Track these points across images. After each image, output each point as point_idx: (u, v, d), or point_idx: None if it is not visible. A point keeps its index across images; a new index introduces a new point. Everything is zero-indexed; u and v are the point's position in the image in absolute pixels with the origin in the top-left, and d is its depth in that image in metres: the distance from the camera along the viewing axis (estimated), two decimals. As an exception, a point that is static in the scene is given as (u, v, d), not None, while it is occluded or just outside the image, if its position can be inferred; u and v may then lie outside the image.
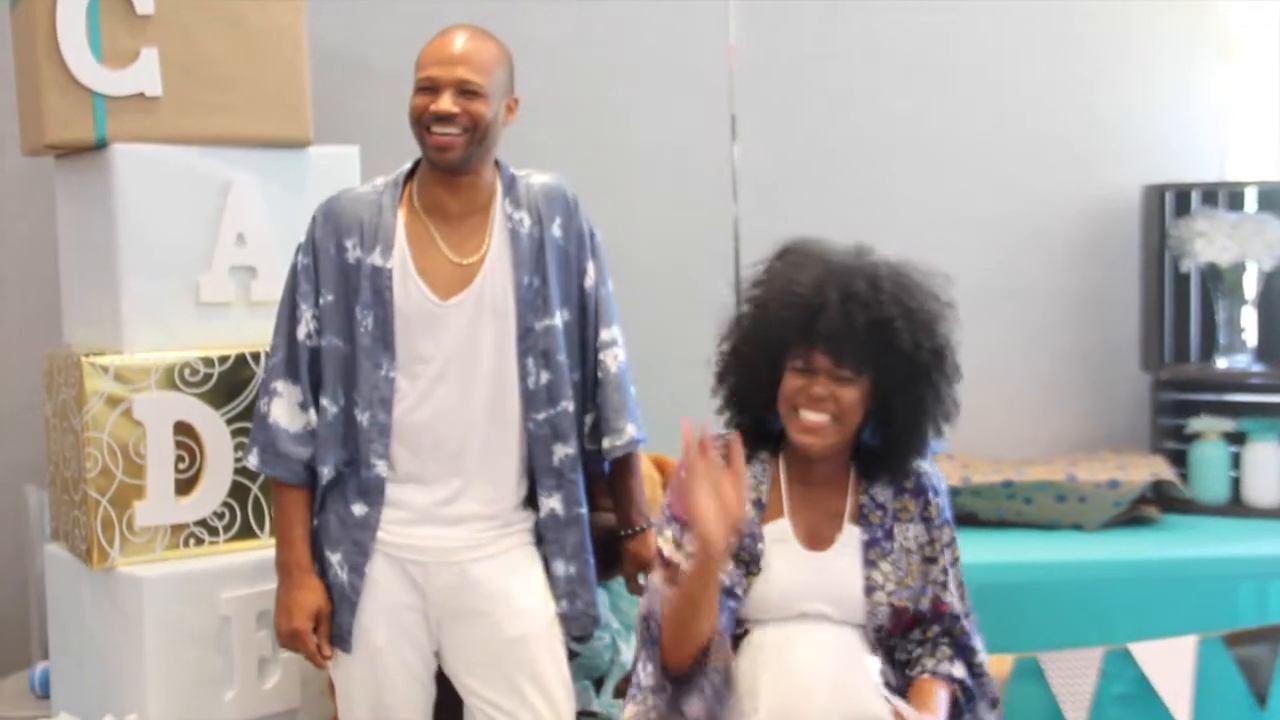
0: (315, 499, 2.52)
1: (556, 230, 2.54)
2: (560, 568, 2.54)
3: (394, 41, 3.70)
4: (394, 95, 3.67)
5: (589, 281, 2.58)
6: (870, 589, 2.28)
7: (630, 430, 2.60)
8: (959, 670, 2.31)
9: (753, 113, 3.80)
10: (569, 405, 2.53)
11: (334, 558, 2.49)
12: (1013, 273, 3.85)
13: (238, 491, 2.88)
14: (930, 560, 2.32)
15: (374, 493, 2.47)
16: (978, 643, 2.36)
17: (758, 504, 2.31)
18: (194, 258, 2.89)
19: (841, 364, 2.21)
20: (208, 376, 2.85)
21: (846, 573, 2.29)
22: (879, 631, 2.29)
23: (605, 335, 2.60)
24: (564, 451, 2.53)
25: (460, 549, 2.48)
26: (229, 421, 2.86)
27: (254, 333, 2.92)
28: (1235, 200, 3.75)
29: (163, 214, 2.85)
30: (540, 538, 2.55)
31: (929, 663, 2.32)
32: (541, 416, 2.51)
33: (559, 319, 2.51)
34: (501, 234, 2.50)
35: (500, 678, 2.49)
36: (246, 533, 2.89)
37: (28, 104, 2.93)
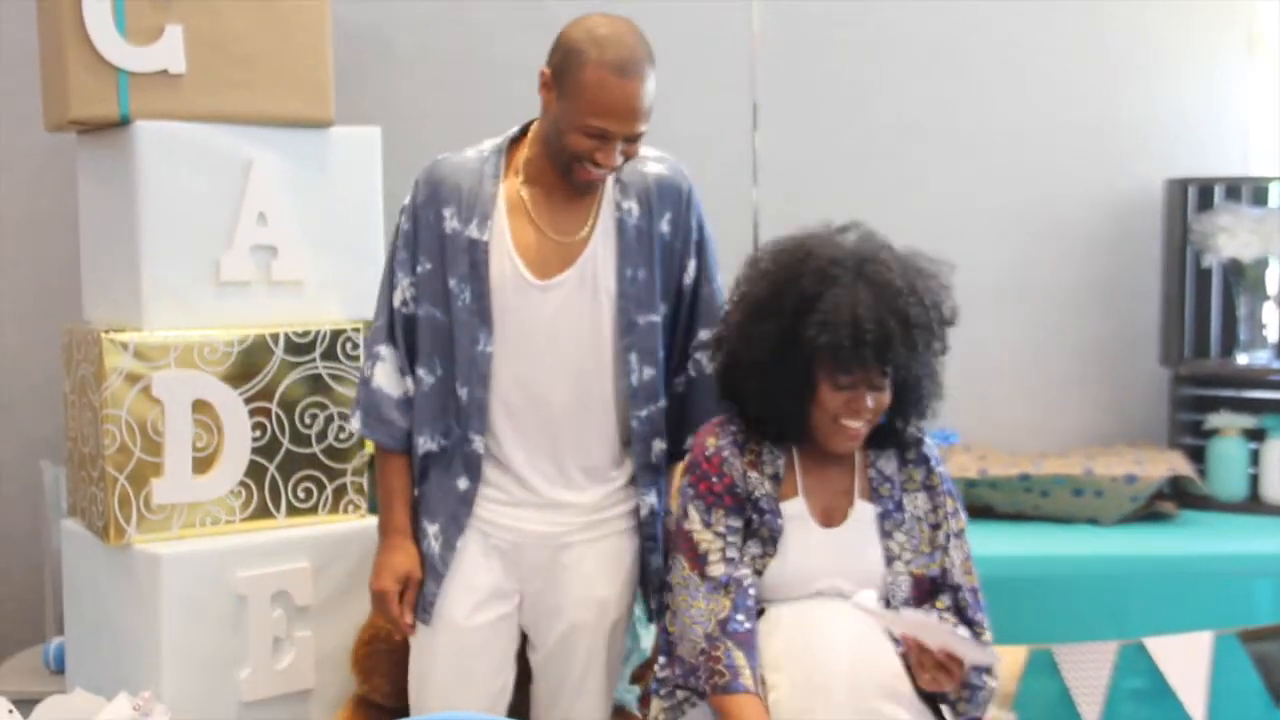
0: (415, 466, 2.50)
1: (665, 226, 2.47)
2: (656, 560, 2.54)
3: (417, 23, 3.72)
4: (417, 77, 3.71)
5: (689, 278, 2.52)
6: (890, 559, 2.35)
7: None
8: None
9: (775, 101, 3.79)
10: (664, 403, 2.51)
11: (431, 528, 2.48)
12: (1033, 265, 3.84)
13: (255, 471, 2.88)
14: (935, 527, 2.39)
15: (474, 468, 2.45)
16: (982, 617, 2.39)
17: (775, 478, 2.36)
18: (215, 236, 2.88)
19: (885, 373, 2.28)
20: (227, 355, 2.85)
21: (863, 546, 2.35)
22: (902, 604, 2.34)
23: (704, 335, 2.54)
24: (660, 447, 2.52)
25: (558, 534, 2.47)
26: (247, 401, 2.86)
27: (274, 312, 2.92)
28: (1259, 195, 3.73)
29: (184, 191, 2.84)
30: (641, 532, 2.54)
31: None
32: (644, 413, 2.48)
33: (659, 316, 2.47)
34: (608, 220, 2.44)
35: (557, 658, 2.51)
36: (263, 512, 2.89)
37: (52, 80, 2.93)
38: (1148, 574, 3.18)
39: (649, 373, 2.46)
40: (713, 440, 2.39)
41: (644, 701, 2.91)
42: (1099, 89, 3.82)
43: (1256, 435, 3.60)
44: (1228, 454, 3.60)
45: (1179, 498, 3.55)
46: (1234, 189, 3.72)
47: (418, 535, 2.50)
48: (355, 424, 2.54)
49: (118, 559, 2.83)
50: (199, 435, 2.83)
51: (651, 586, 2.56)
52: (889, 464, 2.41)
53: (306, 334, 2.93)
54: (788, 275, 2.31)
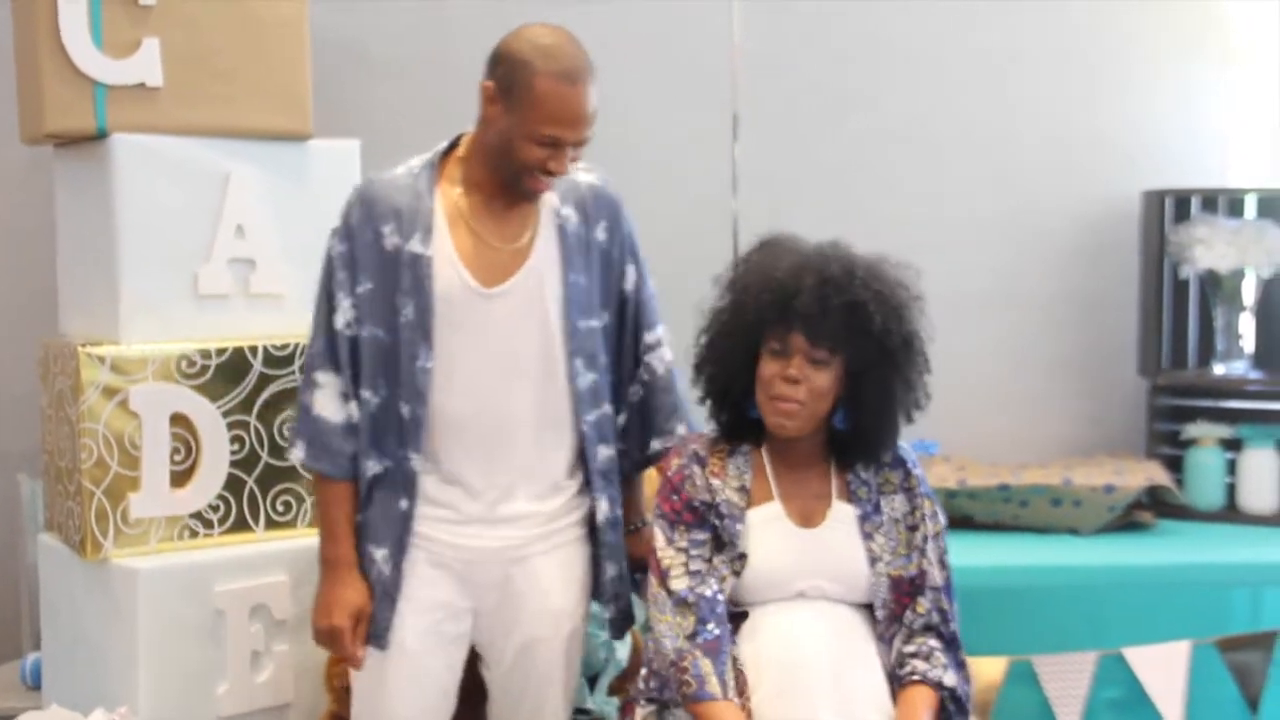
0: (359, 492, 2.45)
1: (601, 233, 2.50)
2: (610, 569, 2.54)
3: (396, 36, 3.72)
4: (395, 90, 3.71)
5: (629, 284, 2.55)
6: (872, 560, 2.37)
7: (680, 432, 2.59)
8: (950, 679, 2.34)
9: (755, 112, 3.80)
10: (609, 408, 2.52)
11: (379, 553, 2.42)
12: (1012, 276, 3.85)
13: (233, 484, 2.87)
14: (913, 529, 2.41)
15: (411, 486, 2.42)
16: (957, 627, 2.40)
17: (741, 490, 2.39)
18: (193, 249, 2.88)
19: (817, 344, 2.30)
20: (205, 368, 2.85)
21: (845, 546, 2.37)
22: (884, 607, 2.36)
23: (649, 338, 2.58)
24: (607, 453, 2.52)
25: (509, 548, 2.45)
26: (225, 414, 2.86)
27: (252, 325, 2.92)
28: (1235, 207, 3.75)
29: (162, 205, 2.84)
30: (592, 539, 2.53)
31: (920, 665, 2.34)
32: (592, 418, 2.48)
33: (599, 322, 2.49)
34: (549, 226, 2.45)
35: (515, 674, 2.50)
36: (241, 526, 2.88)
37: (28, 92, 2.92)
38: (1126, 584, 3.20)
39: (592, 377, 2.48)
40: (676, 460, 2.44)
41: (624, 712, 2.91)
42: (1077, 101, 3.83)
43: (1233, 445, 3.61)
44: (1205, 464, 3.62)
45: (1157, 507, 3.55)
46: (1210, 200, 3.74)
47: (363, 563, 2.44)
48: (298, 455, 2.44)
49: (95, 573, 2.82)
50: (177, 449, 2.82)
51: (606, 596, 2.55)
52: (865, 469, 2.43)
53: (285, 347, 2.92)
54: (747, 259, 2.43)
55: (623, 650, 2.94)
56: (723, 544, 2.36)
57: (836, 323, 2.29)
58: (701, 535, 2.37)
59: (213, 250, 2.89)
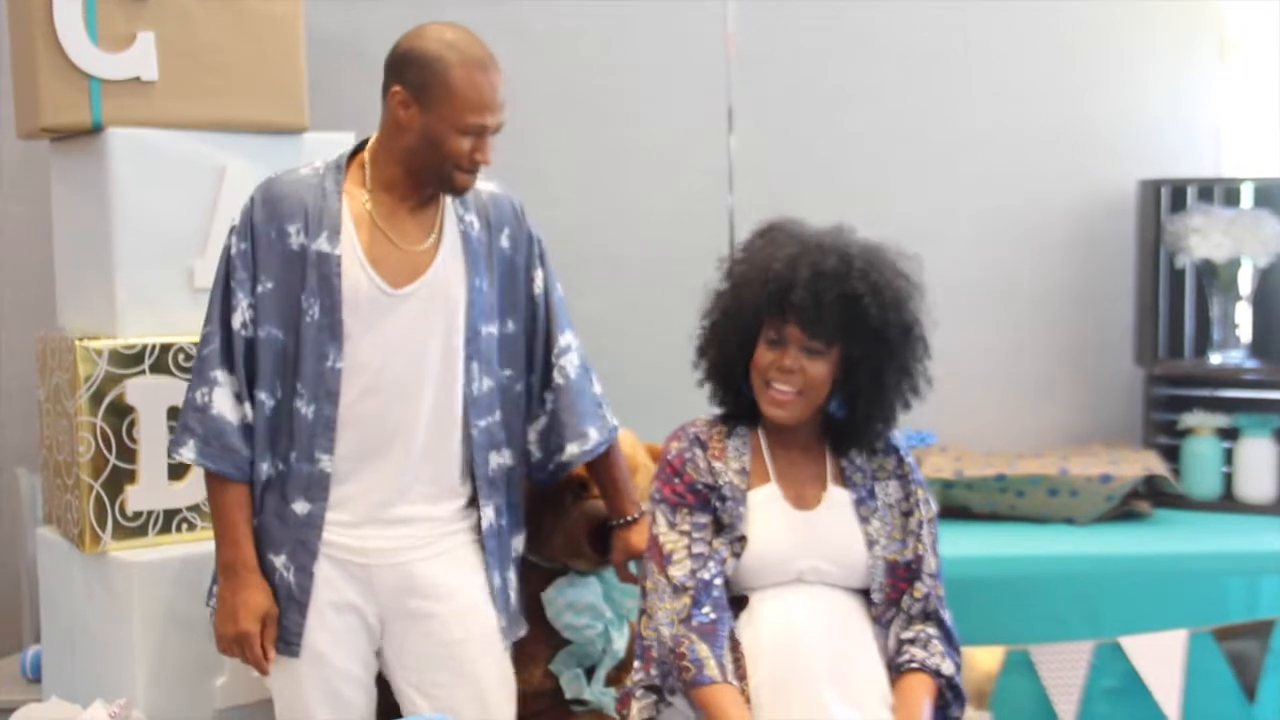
0: (254, 497, 2.43)
1: (504, 241, 2.51)
2: (496, 578, 2.52)
3: (391, 28, 3.66)
4: (391, 83, 3.71)
5: (537, 289, 2.56)
6: (870, 544, 2.38)
7: (593, 435, 2.59)
8: (948, 667, 2.35)
9: (750, 105, 3.80)
10: (502, 417, 2.52)
11: (278, 560, 2.41)
12: (1008, 267, 3.86)
13: (231, 477, 2.87)
14: (907, 514, 2.43)
15: (317, 489, 2.40)
16: (949, 614, 2.42)
17: (742, 472, 2.40)
18: (188, 242, 2.88)
19: (812, 336, 2.31)
20: (201, 362, 2.85)
21: (842, 528, 2.39)
22: (881, 590, 2.36)
23: (562, 342, 2.58)
24: (498, 461, 2.52)
25: (404, 549, 2.45)
26: (222, 407, 2.86)
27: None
28: (1231, 196, 3.75)
29: (158, 198, 2.84)
30: (484, 546, 2.52)
31: (919, 653, 2.35)
32: (483, 423, 2.48)
33: (497, 329, 2.50)
34: (453, 231, 2.46)
35: (440, 679, 2.47)
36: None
37: (23, 87, 2.92)
38: (1123, 573, 3.20)
39: (488, 383, 2.48)
40: (675, 444, 2.44)
41: (621, 703, 2.92)
42: (1073, 92, 3.84)
43: (1230, 434, 3.62)
44: (1202, 453, 3.62)
45: (1154, 497, 3.56)
46: (1206, 190, 3.74)
47: (264, 570, 2.41)
48: (189, 454, 2.39)
49: (93, 567, 2.82)
50: (174, 442, 2.83)
51: (496, 605, 2.52)
52: (859, 455, 2.45)
53: (281, 340, 2.92)
54: (749, 245, 2.45)
55: (620, 642, 2.94)
56: (722, 526, 2.37)
57: (831, 315, 2.30)
58: (704, 518, 2.38)
59: (208, 243, 2.89)
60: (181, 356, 2.83)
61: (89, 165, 2.87)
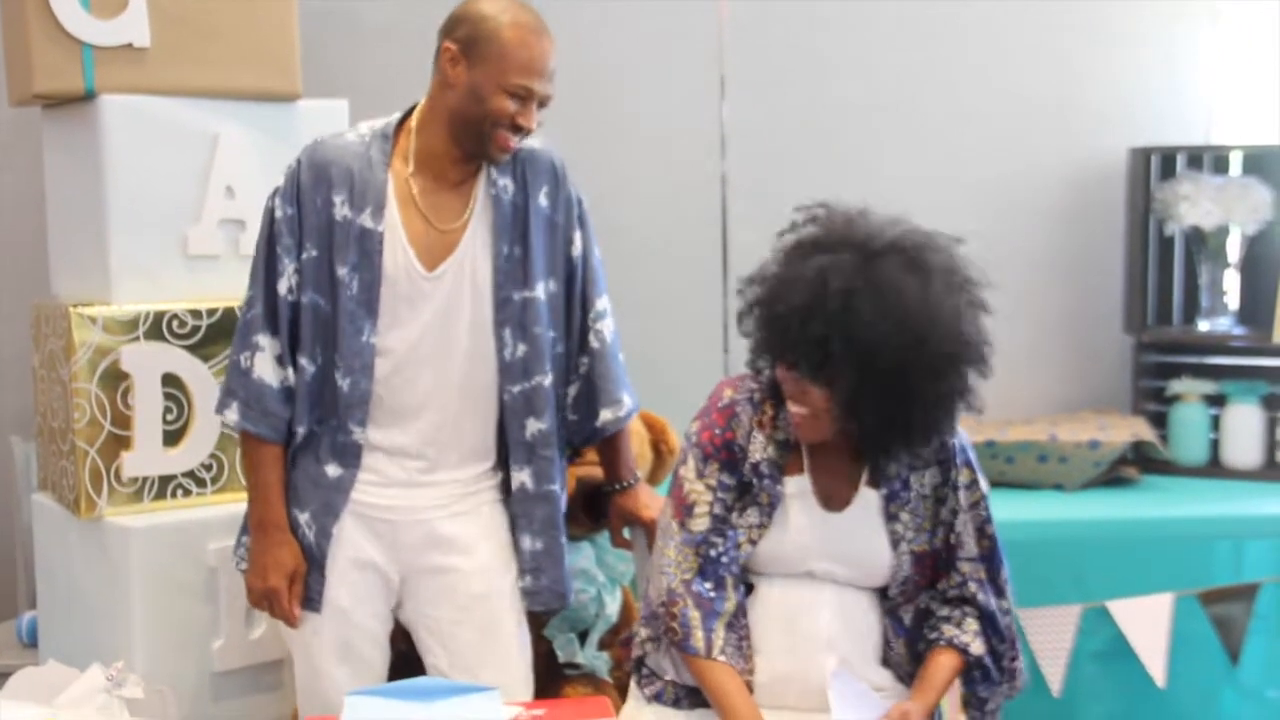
0: (288, 454, 2.46)
1: (543, 199, 2.47)
2: (527, 542, 2.51)
3: (384, -5, 3.71)
4: (383, 50, 3.70)
5: (576, 251, 2.52)
6: (895, 543, 2.30)
7: (627, 401, 2.58)
8: (978, 646, 2.30)
9: (742, 74, 3.80)
10: (545, 380, 2.48)
11: (302, 517, 2.44)
12: (998, 235, 3.84)
13: (225, 443, 2.88)
14: (940, 501, 2.32)
15: (350, 457, 2.42)
16: (994, 602, 2.31)
17: (783, 445, 2.31)
18: (182, 210, 2.89)
19: (788, 368, 2.21)
20: (195, 329, 2.86)
21: (866, 534, 2.30)
22: (904, 585, 2.30)
23: (599, 305, 2.56)
24: (537, 426, 2.49)
25: (430, 507, 2.46)
26: (217, 374, 2.87)
27: (242, 285, 2.89)
28: (1220, 164, 3.76)
29: (151, 166, 2.84)
30: (509, 509, 2.52)
31: (949, 629, 2.31)
32: (516, 389, 2.47)
33: (541, 291, 2.46)
34: (484, 200, 2.44)
35: (460, 634, 2.48)
36: (234, 484, 2.90)
37: (15, 54, 2.91)
38: (1110, 538, 3.22)
39: (523, 349, 2.45)
40: (730, 392, 2.35)
41: (617, 665, 2.95)
42: (1063, 60, 3.83)
43: (1217, 401, 3.64)
44: (1189, 419, 3.65)
45: (1142, 463, 3.59)
46: (1196, 158, 3.75)
47: (290, 524, 2.45)
48: (232, 417, 2.42)
49: (89, 532, 2.84)
50: (169, 408, 2.84)
51: (525, 567, 2.52)
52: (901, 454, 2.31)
53: (275, 307, 2.93)
54: (782, 243, 2.28)
55: (613, 606, 2.97)
56: (752, 501, 2.29)
57: (802, 352, 2.17)
58: (730, 479, 2.30)
59: (202, 211, 2.89)
60: (176, 323, 2.84)
61: (81, 132, 2.87)
